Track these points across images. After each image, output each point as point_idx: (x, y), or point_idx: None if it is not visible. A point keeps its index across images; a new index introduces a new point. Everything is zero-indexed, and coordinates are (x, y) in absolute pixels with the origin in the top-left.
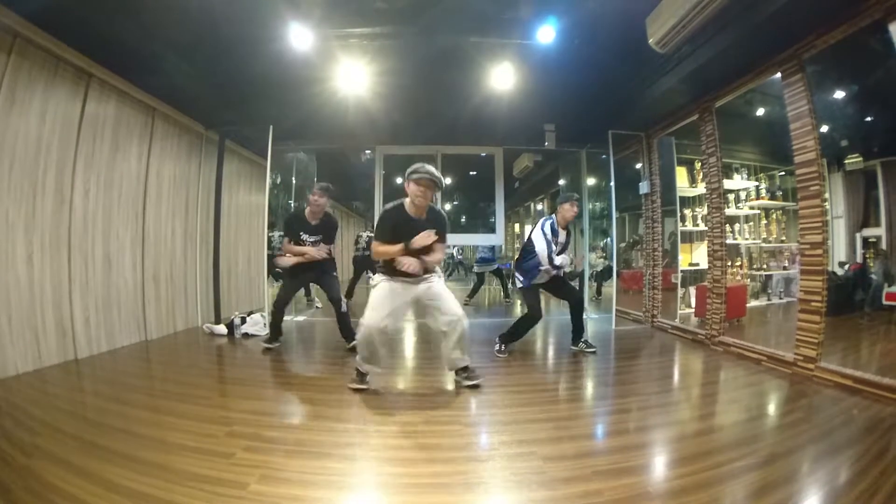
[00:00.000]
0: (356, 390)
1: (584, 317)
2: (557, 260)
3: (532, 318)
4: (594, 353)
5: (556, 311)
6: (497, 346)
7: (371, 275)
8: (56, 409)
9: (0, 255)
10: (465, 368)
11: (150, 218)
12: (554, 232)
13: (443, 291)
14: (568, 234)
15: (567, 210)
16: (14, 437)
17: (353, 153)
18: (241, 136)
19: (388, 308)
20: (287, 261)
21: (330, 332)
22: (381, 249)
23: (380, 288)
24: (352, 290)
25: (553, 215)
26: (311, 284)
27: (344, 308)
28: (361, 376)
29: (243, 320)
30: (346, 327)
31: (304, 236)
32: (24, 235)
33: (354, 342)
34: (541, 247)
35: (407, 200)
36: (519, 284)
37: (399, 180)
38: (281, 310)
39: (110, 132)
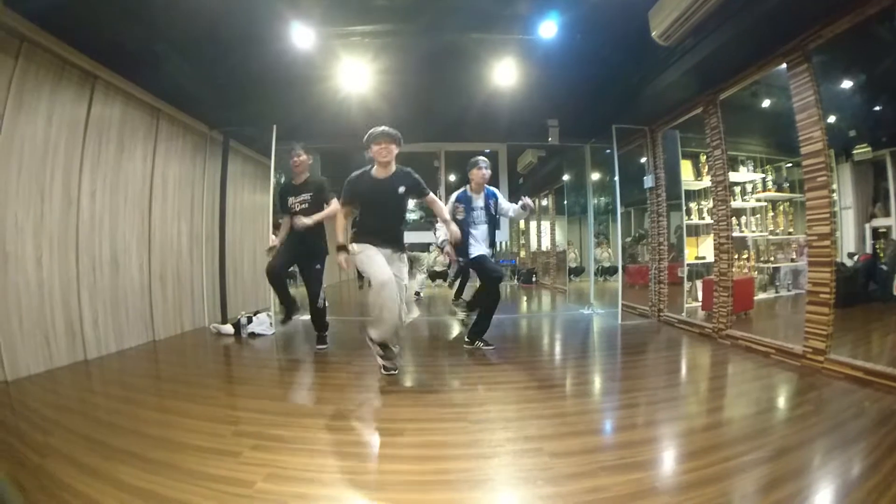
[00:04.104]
0: (388, 370)
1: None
2: (441, 236)
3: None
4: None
5: (561, 308)
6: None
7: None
8: (67, 410)
9: (10, 258)
10: (388, 348)
11: (156, 218)
12: (464, 200)
13: (401, 274)
14: (490, 199)
15: (474, 174)
16: (28, 437)
17: (356, 152)
18: (244, 136)
19: (384, 263)
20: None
21: (335, 331)
22: (339, 219)
23: (364, 251)
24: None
25: (467, 185)
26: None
27: (321, 304)
28: (388, 352)
29: (250, 320)
30: (320, 321)
31: (291, 200)
32: (32, 238)
33: (325, 346)
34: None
35: (374, 168)
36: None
37: None
38: (276, 279)
39: (116, 134)
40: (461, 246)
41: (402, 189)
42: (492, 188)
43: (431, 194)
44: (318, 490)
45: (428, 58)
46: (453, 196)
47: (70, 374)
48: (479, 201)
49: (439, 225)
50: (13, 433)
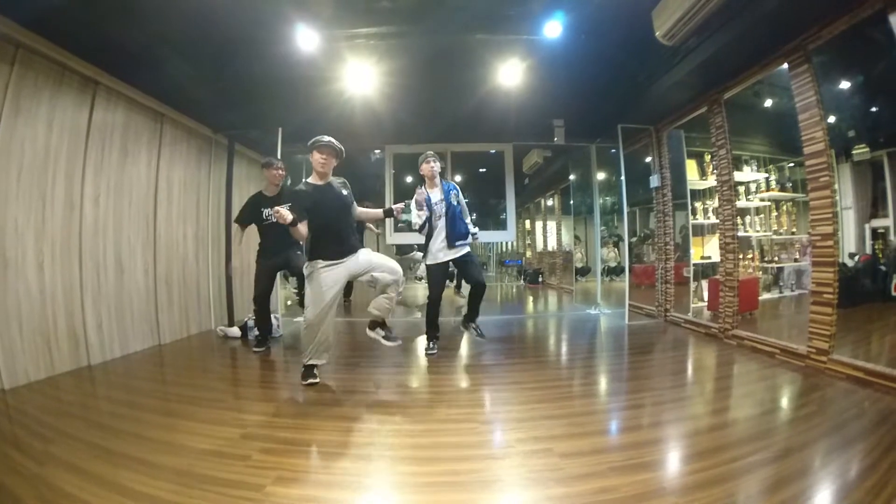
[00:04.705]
0: (311, 385)
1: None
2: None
3: (431, 302)
4: (482, 338)
5: (568, 308)
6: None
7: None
8: (69, 416)
9: (10, 263)
10: (385, 325)
11: (161, 222)
12: (421, 202)
13: (373, 257)
14: (449, 193)
15: (423, 169)
16: (26, 445)
17: (361, 153)
18: (249, 139)
19: (330, 298)
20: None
21: (341, 332)
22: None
23: (318, 280)
24: None
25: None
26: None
27: None
28: (310, 369)
29: None
30: None
31: (266, 212)
32: (34, 243)
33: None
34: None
35: (311, 177)
36: (428, 262)
37: (409, 179)
38: (262, 306)
39: (119, 139)
40: (426, 242)
41: (345, 192)
42: (451, 182)
43: (355, 204)
44: (328, 493)
45: (433, 59)
46: (415, 198)
47: (73, 380)
48: (436, 195)
49: (413, 207)
50: (9, 441)
